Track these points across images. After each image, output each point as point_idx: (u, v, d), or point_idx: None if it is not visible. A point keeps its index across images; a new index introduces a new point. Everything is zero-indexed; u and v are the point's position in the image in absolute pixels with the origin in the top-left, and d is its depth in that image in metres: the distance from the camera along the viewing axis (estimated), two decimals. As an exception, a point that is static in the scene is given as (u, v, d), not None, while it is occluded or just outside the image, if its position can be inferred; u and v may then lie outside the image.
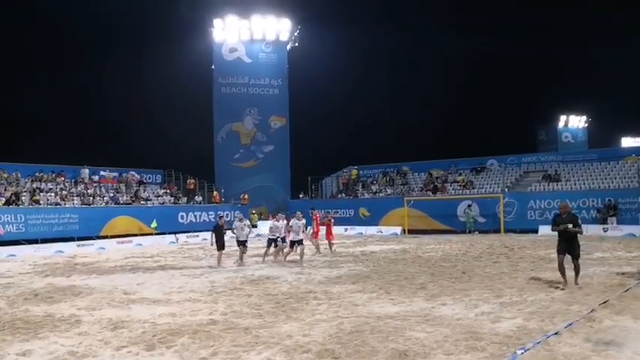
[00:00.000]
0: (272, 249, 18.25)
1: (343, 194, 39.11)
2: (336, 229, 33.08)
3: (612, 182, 31.48)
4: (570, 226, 10.80)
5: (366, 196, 37.58)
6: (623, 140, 60.14)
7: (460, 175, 36.46)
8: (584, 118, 63.27)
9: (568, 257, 10.99)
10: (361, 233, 32.47)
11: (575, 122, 63.37)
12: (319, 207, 32.20)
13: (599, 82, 53.12)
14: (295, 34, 42.99)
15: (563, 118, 62.63)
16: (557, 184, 32.78)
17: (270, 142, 41.97)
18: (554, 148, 56.74)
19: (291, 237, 17.39)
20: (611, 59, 53.90)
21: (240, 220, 18.68)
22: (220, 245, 17.30)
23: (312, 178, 40.17)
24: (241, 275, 14.39)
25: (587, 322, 7.63)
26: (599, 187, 31.17)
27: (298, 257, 16.95)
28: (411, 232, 31.30)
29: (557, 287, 10.77)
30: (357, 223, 34.60)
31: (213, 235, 17.50)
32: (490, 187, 34.42)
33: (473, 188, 34.79)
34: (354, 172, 41.08)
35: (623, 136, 61.08)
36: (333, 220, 22.59)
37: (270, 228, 18.77)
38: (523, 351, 6.19)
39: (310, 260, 17.61)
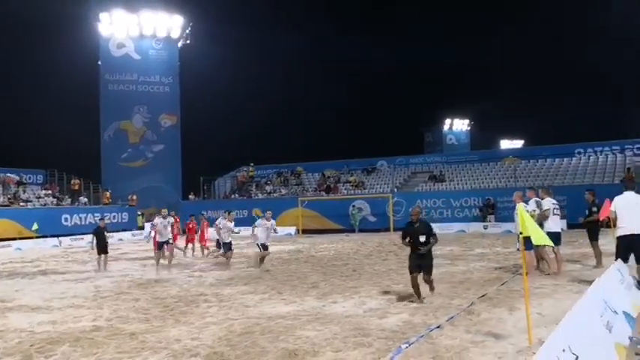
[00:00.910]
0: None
1: (236, 195, 38.78)
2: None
3: (492, 182, 33.49)
4: (423, 238, 9.18)
5: (260, 196, 37.51)
6: (502, 142, 64.09)
7: (352, 175, 37.31)
8: (466, 121, 66.83)
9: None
10: (255, 234, 32.21)
11: (458, 125, 66.80)
12: (212, 208, 31.72)
13: (480, 88, 56.38)
14: (187, 31, 42.13)
15: (448, 121, 65.85)
16: (441, 184, 34.39)
17: (161, 141, 40.86)
18: (439, 150, 59.51)
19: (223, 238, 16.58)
20: (492, 66, 57.36)
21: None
22: (101, 249, 16.45)
23: (204, 178, 39.52)
24: (129, 279, 13.85)
25: (467, 315, 8.01)
26: (480, 186, 33.06)
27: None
28: (305, 232, 31.62)
29: (424, 296, 11.21)
30: (251, 223, 34.32)
31: (94, 238, 16.64)
32: (380, 187, 35.50)
33: (364, 188, 35.71)
34: (252, 169, 40.88)
35: (502, 138, 65.11)
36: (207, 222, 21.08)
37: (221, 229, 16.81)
38: (407, 345, 6.39)
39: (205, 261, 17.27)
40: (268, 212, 15.97)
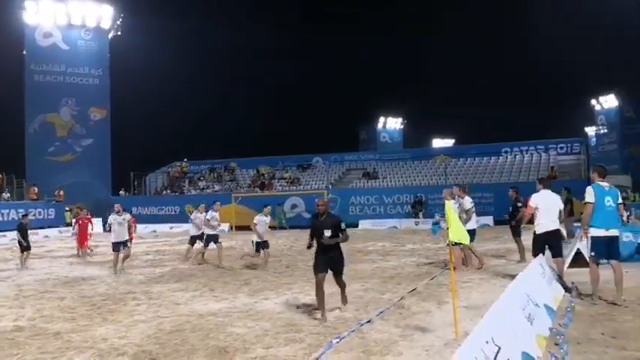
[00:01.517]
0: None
1: (168, 190, 38.05)
2: (161, 227, 32.32)
3: (423, 179, 34.27)
4: (328, 233, 7.89)
5: (193, 192, 36.95)
6: (434, 141, 65.59)
7: (287, 171, 37.30)
8: (400, 120, 68.01)
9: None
10: (187, 231, 31.65)
11: (392, 124, 67.86)
12: (142, 204, 31.00)
13: (413, 88, 57.59)
14: (118, 22, 40.91)
15: (382, 119, 66.77)
16: (375, 181, 34.90)
17: (90, 135, 39.54)
18: (373, 148, 60.34)
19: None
20: (425, 67, 58.66)
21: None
22: (24, 246, 15.75)
23: (135, 173, 38.56)
24: (54, 277, 13.36)
25: (397, 309, 8.16)
26: (412, 183, 33.77)
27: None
28: (239, 228, 31.31)
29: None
30: (183, 220, 33.82)
31: (18, 234, 15.93)
32: (315, 184, 35.67)
33: (299, 185, 35.77)
34: (185, 164, 40.19)
35: (434, 137, 66.64)
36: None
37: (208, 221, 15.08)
38: (338, 340, 6.46)
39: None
40: (267, 208, 15.02)
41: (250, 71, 56.13)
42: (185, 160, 40.64)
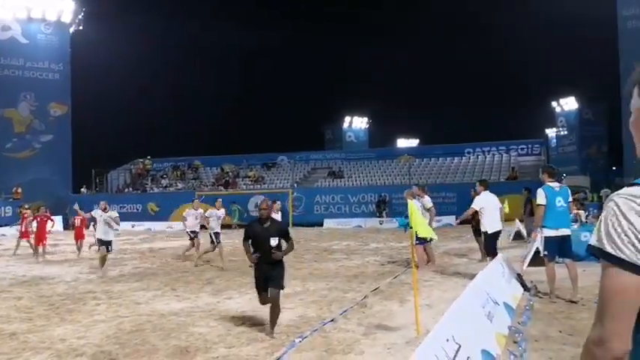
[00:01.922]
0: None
1: (131, 188, 37.49)
2: (123, 225, 31.65)
3: (388, 179, 34.51)
4: (274, 243, 6.79)
5: (156, 190, 36.49)
6: (399, 141, 66.15)
7: (252, 170, 37.11)
8: (365, 119, 68.37)
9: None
10: (150, 229, 31.38)
11: (358, 123, 68.15)
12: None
13: (379, 88, 58.01)
14: (80, 16, 40.01)
15: (348, 119, 67.01)
16: (340, 181, 35.01)
17: (50, 131, 38.57)
18: (339, 147, 60.51)
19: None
20: (390, 67, 59.11)
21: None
22: None
23: (97, 170, 37.88)
24: (11, 276, 13.00)
25: (360, 308, 8.20)
26: (377, 183, 33.99)
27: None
28: (203, 227, 31.02)
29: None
30: (146, 218, 33.43)
31: None
32: (280, 183, 35.59)
33: (264, 183, 35.64)
34: (148, 161, 39.62)
35: (398, 137, 67.21)
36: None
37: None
38: (301, 339, 6.45)
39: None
40: (218, 201, 15.15)
41: (216, 69, 55.78)
42: (148, 157, 40.09)
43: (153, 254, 17.80)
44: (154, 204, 34.44)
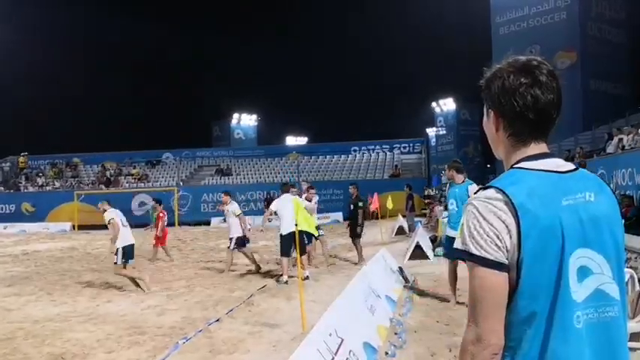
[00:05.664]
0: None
1: (2, 187, 34.90)
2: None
3: (277, 176, 34.58)
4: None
5: (31, 189, 34.18)
6: (288, 139, 66.45)
7: (135, 168, 35.78)
8: (254, 116, 68.01)
9: None
10: (24, 231, 29.33)
11: (246, 120, 67.65)
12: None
13: (269, 85, 58.02)
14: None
15: (236, 115, 66.32)
16: (228, 178, 34.61)
17: None
18: (226, 144, 59.74)
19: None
20: (279, 65, 59.32)
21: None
22: None
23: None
24: None
25: (246, 306, 8.13)
26: (266, 180, 33.95)
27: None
28: (83, 227, 29.52)
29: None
30: (19, 219, 31.27)
31: None
32: (165, 181, 34.61)
33: (148, 182, 34.51)
34: (23, 158, 36.96)
35: (287, 135, 67.50)
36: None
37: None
38: (185, 340, 6.29)
39: None
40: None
41: (98, 60, 53.17)
42: (25, 154, 37.39)
43: (27, 257, 16.63)
44: (29, 204, 32.29)
